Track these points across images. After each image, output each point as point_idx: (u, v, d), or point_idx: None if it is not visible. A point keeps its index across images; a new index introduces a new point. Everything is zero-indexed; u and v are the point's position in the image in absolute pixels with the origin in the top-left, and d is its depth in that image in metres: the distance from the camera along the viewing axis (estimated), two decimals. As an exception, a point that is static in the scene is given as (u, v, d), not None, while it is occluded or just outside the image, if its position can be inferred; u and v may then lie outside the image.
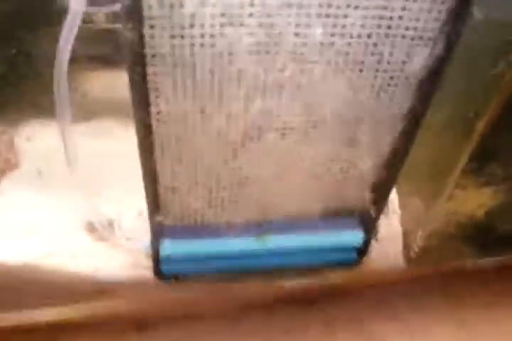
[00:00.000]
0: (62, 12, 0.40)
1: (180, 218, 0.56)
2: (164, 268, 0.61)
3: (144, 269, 0.62)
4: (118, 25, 0.38)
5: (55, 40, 0.42)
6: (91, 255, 0.62)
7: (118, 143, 0.67)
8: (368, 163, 0.53)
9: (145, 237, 0.58)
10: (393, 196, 0.68)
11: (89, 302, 0.60)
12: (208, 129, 0.45)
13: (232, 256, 0.60)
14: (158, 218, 0.54)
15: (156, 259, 0.59)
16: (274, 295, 0.65)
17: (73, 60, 0.44)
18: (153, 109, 0.42)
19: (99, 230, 0.59)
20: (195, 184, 0.52)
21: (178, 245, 0.57)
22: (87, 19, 0.43)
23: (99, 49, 0.61)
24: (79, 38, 0.42)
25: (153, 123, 0.43)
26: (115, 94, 0.65)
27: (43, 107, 0.62)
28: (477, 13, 0.40)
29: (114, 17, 0.53)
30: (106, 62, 0.62)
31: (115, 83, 0.65)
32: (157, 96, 0.41)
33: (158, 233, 0.56)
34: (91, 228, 0.62)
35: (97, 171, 0.57)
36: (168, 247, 0.57)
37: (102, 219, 0.58)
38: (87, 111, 0.65)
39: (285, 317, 0.63)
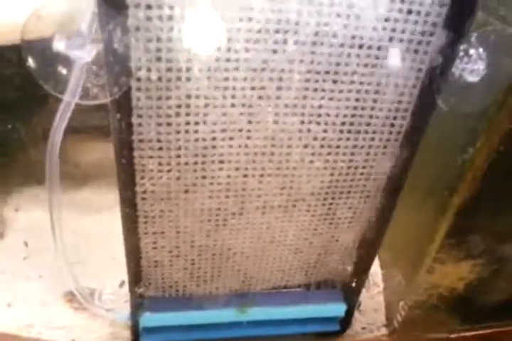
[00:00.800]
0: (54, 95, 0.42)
1: (162, 290, 0.56)
2: (144, 339, 0.59)
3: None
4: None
5: (46, 117, 0.44)
6: (70, 326, 0.61)
7: (104, 214, 0.68)
8: (348, 238, 0.54)
9: (125, 308, 0.58)
10: (375, 268, 0.69)
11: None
12: (191, 207, 0.47)
13: (213, 328, 0.59)
14: (139, 290, 0.54)
15: (136, 331, 0.58)
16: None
17: (64, 131, 0.45)
18: (138, 189, 0.44)
19: (79, 300, 0.58)
20: (177, 256, 0.52)
21: (158, 317, 0.57)
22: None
23: (91, 121, 0.64)
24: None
25: (138, 201, 0.45)
26: (104, 165, 0.67)
27: (32, 179, 0.64)
28: (442, 104, 0.43)
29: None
30: (97, 133, 0.65)
31: (104, 155, 0.67)
32: (142, 177, 0.43)
33: (138, 305, 0.56)
34: (71, 298, 0.62)
35: (81, 241, 0.58)
36: (149, 319, 0.56)
37: (83, 290, 0.58)
38: (76, 181, 0.66)
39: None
